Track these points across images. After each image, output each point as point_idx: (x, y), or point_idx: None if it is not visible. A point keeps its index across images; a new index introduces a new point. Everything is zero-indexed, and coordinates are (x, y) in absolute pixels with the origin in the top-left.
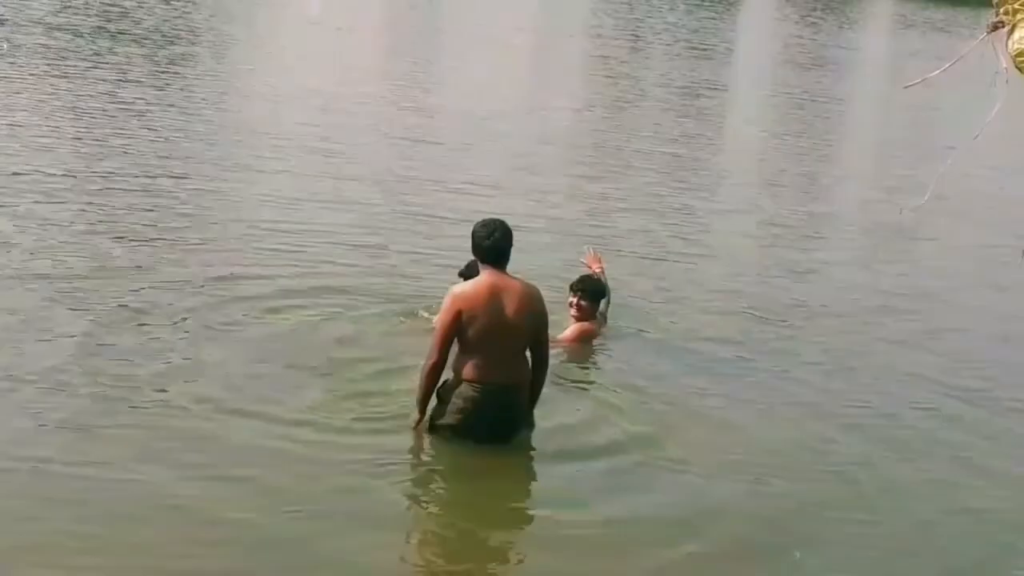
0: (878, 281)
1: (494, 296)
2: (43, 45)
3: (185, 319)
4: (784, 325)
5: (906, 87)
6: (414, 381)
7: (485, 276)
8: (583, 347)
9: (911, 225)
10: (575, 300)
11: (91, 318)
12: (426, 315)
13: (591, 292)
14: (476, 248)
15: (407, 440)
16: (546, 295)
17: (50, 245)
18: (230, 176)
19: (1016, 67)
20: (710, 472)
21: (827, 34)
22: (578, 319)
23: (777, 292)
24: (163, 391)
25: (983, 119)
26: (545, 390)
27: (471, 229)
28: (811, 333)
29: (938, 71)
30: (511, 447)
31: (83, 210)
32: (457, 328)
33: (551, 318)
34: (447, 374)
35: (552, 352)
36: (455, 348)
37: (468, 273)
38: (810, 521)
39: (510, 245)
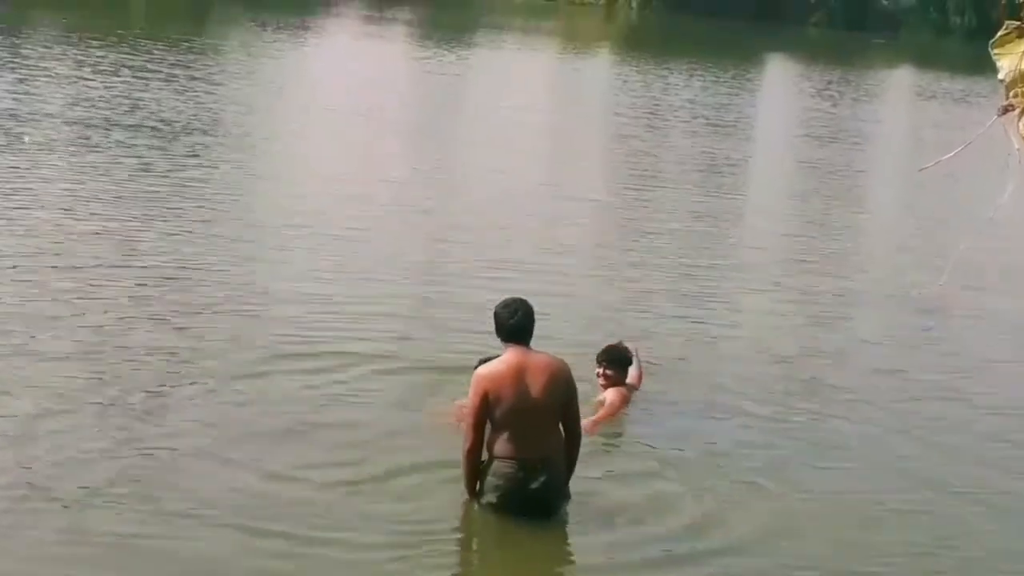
0: (913, 359)
1: (519, 373)
2: (60, 139)
3: (216, 401)
4: (818, 404)
5: (920, 170)
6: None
7: (509, 354)
8: (620, 415)
9: (938, 301)
10: (600, 371)
11: (115, 401)
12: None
13: (614, 360)
14: (499, 328)
15: (447, 518)
16: (577, 373)
17: (69, 330)
18: (251, 264)
19: None
20: (745, 548)
21: (845, 107)
22: (606, 387)
23: (809, 371)
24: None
25: (999, 197)
26: (581, 461)
27: (493, 310)
28: (846, 411)
29: (949, 155)
30: (550, 522)
31: (106, 296)
32: (486, 408)
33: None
34: (483, 453)
35: (594, 422)
36: (488, 428)
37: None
38: None
39: (532, 323)
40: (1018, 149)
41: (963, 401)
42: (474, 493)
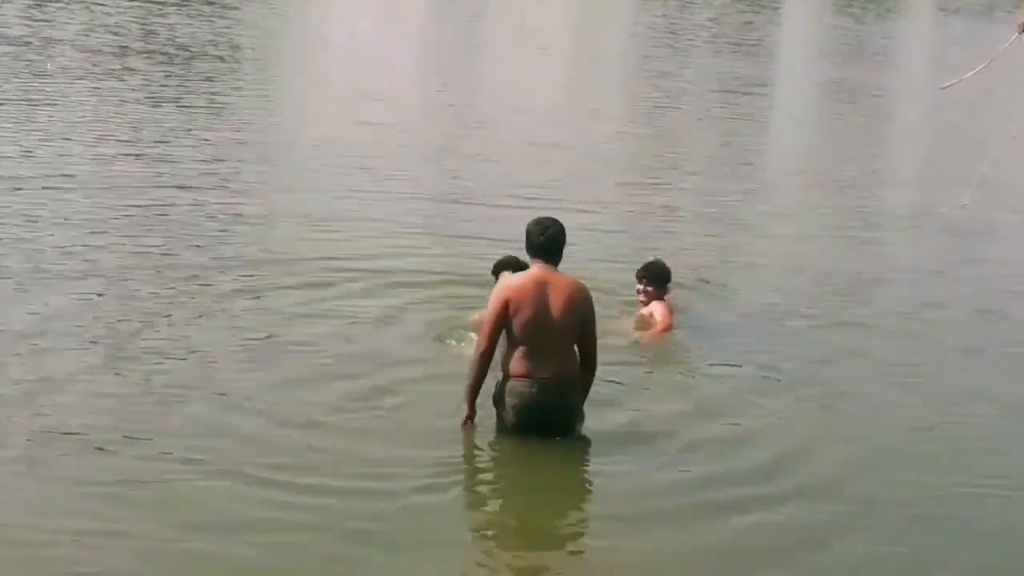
0: (946, 283)
1: (541, 289)
2: (79, 66)
3: (222, 326)
4: (858, 330)
5: (943, 88)
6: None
7: (534, 269)
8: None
9: (968, 222)
10: (641, 287)
11: (119, 330)
12: (453, 343)
13: (655, 276)
14: (529, 243)
15: (459, 442)
16: (606, 294)
17: (86, 250)
18: (271, 192)
19: None
20: (763, 471)
21: (868, 24)
22: (646, 303)
23: (845, 298)
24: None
25: (1022, 115)
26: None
27: (525, 227)
28: (883, 340)
29: (970, 74)
30: (567, 443)
31: (119, 220)
32: (504, 318)
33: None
34: (498, 374)
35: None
36: (504, 346)
37: (497, 271)
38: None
39: (563, 242)
40: None
41: (1005, 320)
42: (473, 399)
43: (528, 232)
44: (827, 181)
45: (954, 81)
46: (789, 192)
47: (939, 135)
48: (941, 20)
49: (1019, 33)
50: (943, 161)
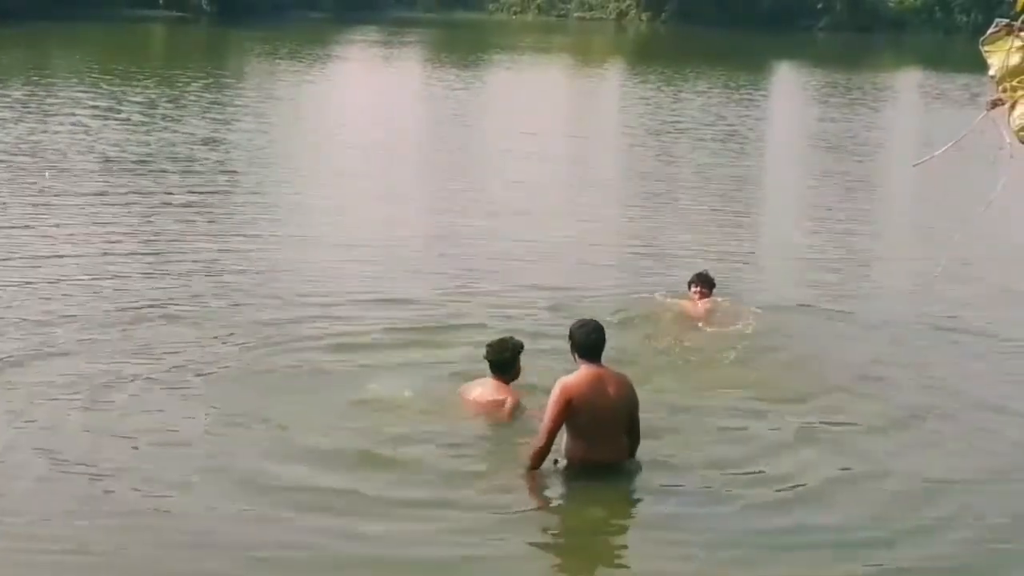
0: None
1: (597, 385)
2: (75, 175)
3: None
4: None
5: (915, 165)
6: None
7: (586, 369)
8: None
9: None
10: (698, 289)
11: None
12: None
13: (706, 280)
14: (576, 345)
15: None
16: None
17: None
18: (289, 308)
19: (1020, 142)
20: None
21: (852, 111)
22: (701, 298)
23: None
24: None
25: (992, 192)
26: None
27: (569, 330)
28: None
29: (941, 150)
30: (621, 479)
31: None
32: (566, 415)
33: None
34: (561, 461)
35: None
36: (563, 435)
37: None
38: None
39: (605, 341)
40: (1009, 143)
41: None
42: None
43: (574, 335)
44: (816, 275)
45: (926, 159)
46: (775, 289)
47: (918, 214)
48: (928, 108)
49: (988, 110)
50: (922, 237)
